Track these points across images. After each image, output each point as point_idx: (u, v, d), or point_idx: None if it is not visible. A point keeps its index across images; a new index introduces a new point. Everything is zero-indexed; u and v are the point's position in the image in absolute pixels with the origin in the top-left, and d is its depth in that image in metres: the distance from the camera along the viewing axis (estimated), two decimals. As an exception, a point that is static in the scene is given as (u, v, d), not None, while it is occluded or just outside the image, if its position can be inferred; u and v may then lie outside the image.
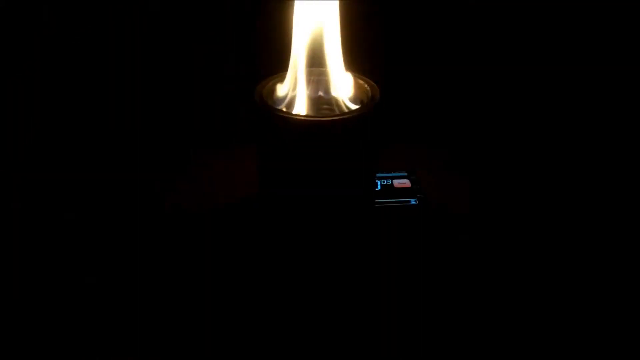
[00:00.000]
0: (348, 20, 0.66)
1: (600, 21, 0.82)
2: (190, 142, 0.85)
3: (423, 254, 0.70)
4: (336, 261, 0.64)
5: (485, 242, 0.71)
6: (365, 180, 0.64)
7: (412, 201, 0.76)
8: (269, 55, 0.73)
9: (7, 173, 0.77)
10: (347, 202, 0.63)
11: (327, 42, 0.62)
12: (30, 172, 0.78)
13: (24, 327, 0.64)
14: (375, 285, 0.65)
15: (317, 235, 0.63)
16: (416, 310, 0.64)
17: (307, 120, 0.60)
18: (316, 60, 0.62)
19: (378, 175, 0.78)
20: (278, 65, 0.65)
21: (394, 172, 0.79)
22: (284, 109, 0.62)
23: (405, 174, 0.80)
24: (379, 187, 0.76)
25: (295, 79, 0.63)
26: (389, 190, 0.77)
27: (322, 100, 0.64)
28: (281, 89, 0.63)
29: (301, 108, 0.63)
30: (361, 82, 0.64)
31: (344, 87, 0.63)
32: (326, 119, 0.60)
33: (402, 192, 0.77)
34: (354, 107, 0.62)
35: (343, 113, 0.61)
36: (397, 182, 0.78)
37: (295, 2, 0.61)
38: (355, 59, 0.65)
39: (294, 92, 0.63)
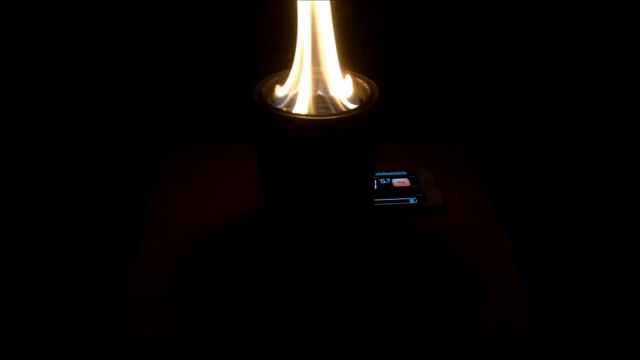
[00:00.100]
0: (348, 20, 0.66)
1: (600, 21, 0.82)
2: (190, 141, 0.85)
3: (423, 254, 0.70)
4: (336, 262, 0.64)
5: (485, 242, 0.71)
6: (365, 179, 0.64)
7: (412, 200, 0.76)
8: (268, 55, 0.73)
9: (7, 173, 0.77)
10: (347, 202, 0.63)
11: (326, 41, 0.62)
12: (30, 172, 0.78)
13: (24, 327, 0.64)
14: (375, 286, 0.65)
15: (317, 235, 0.63)
16: (416, 310, 0.64)
17: (306, 119, 0.60)
18: (315, 59, 0.62)
19: (377, 174, 0.78)
20: (277, 64, 0.65)
21: (393, 171, 0.80)
22: (284, 108, 0.62)
23: (405, 172, 0.80)
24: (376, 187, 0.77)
25: (295, 78, 0.63)
26: (388, 189, 0.77)
27: (321, 100, 0.64)
28: (281, 88, 0.63)
29: (301, 107, 0.63)
30: (360, 81, 0.64)
31: (343, 86, 0.63)
32: (325, 118, 0.60)
33: (401, 191, 0.77)
34: (352, 106, 0.62)
35: (342, 112, 0.61)
36: (396, 181, 0.78)
37: (296, 2, 0.61)
38: (355, 58, 0.65)
39: (293, 91, 0.63)
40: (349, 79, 0.63)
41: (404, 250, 0.70)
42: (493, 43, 0.84)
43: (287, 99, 0.63)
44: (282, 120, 0.60)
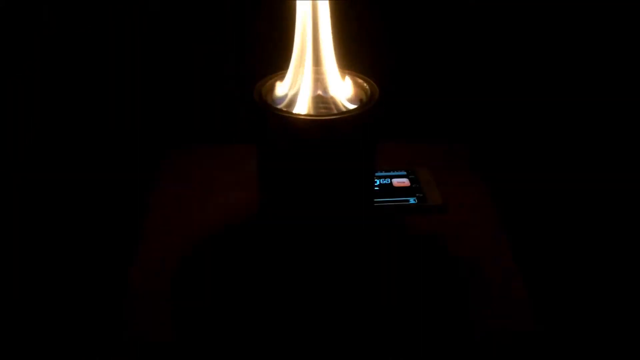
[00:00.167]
0: (348, 20, 0.66)
1: (600, 21, 0.82)
2: (190, 141, 0.85)
3: (423, 254, 0.70)
4: (336, 262, 0.64)
5: (485, 242, 0.71)
6: (365, 179, 0.64)
7: (412, 200, 0.76)
8: (268, 55, 0.73)
9: (7, 173, 0.77)
10: (347, 202, 0.63)
11: (325, 41, 0.62)
12: (30, 172, 0.78)
13: (24, 327, 0.64)
14: (375, 286, 0.65)
15: (317, 235, 0.63)
16: (416, 310, 0.64)
17: (306, 119, 0.60)
18: (316, 59, 0.62)
19: (377, 174, 0.78)
20: (277, 64, 0.65)
21: (393, 171, 0.79)
22: (284, 108, 0.62)
23: (405, 172, 0.80)
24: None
25: (294, 78, 0.63)
26: (388, 189, 0.77)
27: (321, 100, 0.64)
28: (280, 88, 0.63)
29: (301, 107, 0.63)
30: (360, 81, 0.64)
31: (343, 86, 0.63)
32: (325, 118, 0.60)
33: (401, 191, 0.77)
34: (352, 106, 0.62)
35: (342, 112, 0.61)
36: (396, 181, 0.78)
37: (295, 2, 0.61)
38: (355, 58, 0.65)
39: (293, 91, 0.63)
40: (348, 79, 0.63)
41: (404, 250, 0.70)
42: (493, 43, 0.84)
43: (287, 99, 0.63)
44: (282, 120, 0.60)
